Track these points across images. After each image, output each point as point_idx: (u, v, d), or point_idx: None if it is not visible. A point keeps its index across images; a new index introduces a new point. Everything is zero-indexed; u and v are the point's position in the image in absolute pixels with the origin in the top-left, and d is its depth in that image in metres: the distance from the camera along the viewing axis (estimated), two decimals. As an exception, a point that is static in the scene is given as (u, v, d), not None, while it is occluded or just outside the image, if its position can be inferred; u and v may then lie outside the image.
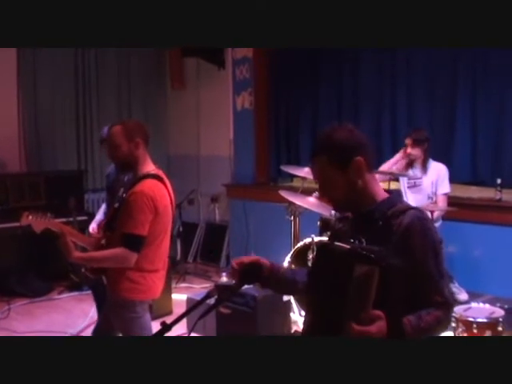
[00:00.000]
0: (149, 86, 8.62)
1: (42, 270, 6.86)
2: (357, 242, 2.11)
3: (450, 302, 2.07)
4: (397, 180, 5.85)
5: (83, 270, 3.45)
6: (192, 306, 2.20)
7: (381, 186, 2.20)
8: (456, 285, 5.43)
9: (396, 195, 2.21)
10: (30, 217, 3.36)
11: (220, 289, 2.22)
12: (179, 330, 3.65)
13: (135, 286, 3.28)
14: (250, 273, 2.22)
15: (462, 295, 5.44)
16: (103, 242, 3.37)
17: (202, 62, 8.10)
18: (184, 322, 2.12)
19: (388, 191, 2.20)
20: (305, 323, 2.23)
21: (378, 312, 1.85)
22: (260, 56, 7.66)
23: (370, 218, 2.11)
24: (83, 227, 6.28)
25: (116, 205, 3.42)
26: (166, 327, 2.11)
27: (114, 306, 3.35)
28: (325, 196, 2.19)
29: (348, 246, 1.98)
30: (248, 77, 7.74)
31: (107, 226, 3.42)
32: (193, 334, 5.09)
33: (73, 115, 7.95)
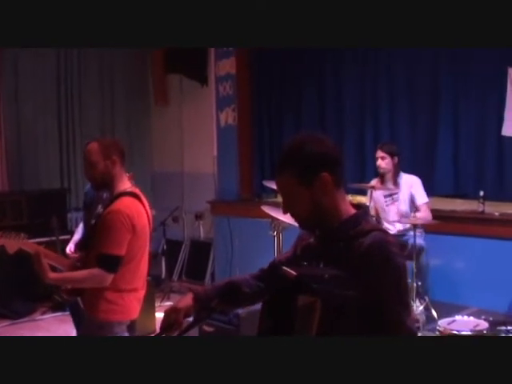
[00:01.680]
0: (132, 103, 8.61)
1: (24, 291, 6.77)
2: (314, 264, 1.98)
3: (412, 333, 1.89)
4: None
5: (59, 291, 3.39)
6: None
7: (348, 203, 2.02)
8: (427, 301, 5.35)
9: (362, 213, 2.01)
10: (3, 237, 3.28)
11: (197, 309, 2.19)
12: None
13: (113, 306, 3.23)
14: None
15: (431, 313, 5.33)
16: (78, 263, 3.33)
17: (185, 79, 8.10)
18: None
19: (356, 207, 2.04)
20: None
21: None
22: (243, 72, 7.66)
23: (333, 237, 1.96)
24: (66, 247, 6.23)
25: (92, 222, 3.37)
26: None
27: (91, 327, 3.28)
28: (288, 212, 2.02)
29: (294, 274, 1.83)
30: (231, 93, 7.74)
31: (82, 244, 3.37)
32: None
33: (55, 132, 7.92)
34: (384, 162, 5.59)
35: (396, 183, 5.64)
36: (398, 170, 5.65)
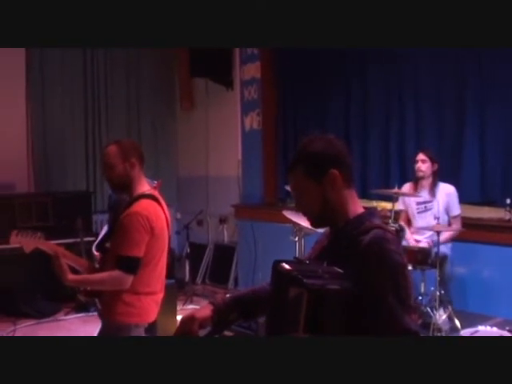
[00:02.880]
0: (158, 106, 8.66)
1: (49, 291, 6.84)
2: (318, 262, 2.01)
3: (411, 332, 1.86)
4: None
5: (77, 292, 3.39)
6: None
7: (358, 204, 2.07)
8: (450, 310, 5.24)
9: (367, 213, 2.05)
10: (19, 236, 3.27)
11: (215, 322, 2.17)
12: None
13: (130, 309, 3.21)
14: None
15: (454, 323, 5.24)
16: (97, 265, 3.33)
17: (211, 83, 8.12)
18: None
19: (364, 208, 2.08)
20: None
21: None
22: (268, 76, 7.67)
23: (339, 236, 2.03)
24: (90, 248, 6.27)
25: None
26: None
27: (109, 329, 3.27)
28: (300, 209, 2.11)
29: (287, 267, 1.91)
30: (256, 97, 7.74)
31: (100, 246, 3.37)
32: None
33: (82, 136, 8.00)
34: (424, 166, 5.49)
35: (433, 192, 5.54)
36: (436, 177, 5.55)
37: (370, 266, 1.86)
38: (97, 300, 3.34)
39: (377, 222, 2.01)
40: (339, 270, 1.86)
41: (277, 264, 1.98)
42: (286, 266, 1.93)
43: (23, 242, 3.27)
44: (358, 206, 2.06)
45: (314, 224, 2.11)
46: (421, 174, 5.53)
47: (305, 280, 1.77)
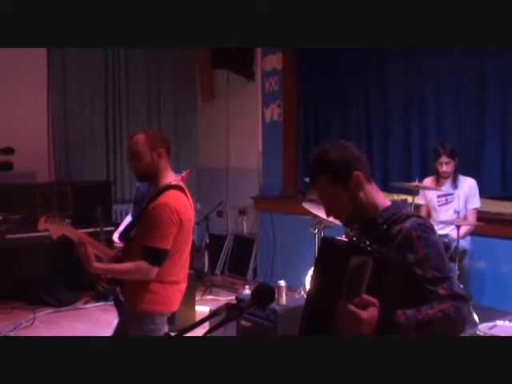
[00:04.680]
0: (179, 98, 8.65)
1: (69, 280, 6.90)
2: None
3: (459, 294, 2.02)
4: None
5: (99, 280, 3.40)
6: (196, 323, 2.15)
7: (382, 195, 2.24)
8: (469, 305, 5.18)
9: (400, 203, 2.27)
10: (48, 221, 3.29)
11: (229, 307, 2.17)
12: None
13: (156, 297, 3.22)
14: (262, 294, 2.16)
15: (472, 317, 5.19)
16: (120, 254, 3.34)
17: (232, 74, 8.10)
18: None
19: (392, 202, 2.23)
20: (302, 315, 2.25)
21: (373, 299, 1.88)
22: (289, 68, 7.63)
23: (374, 224, 2.14)
24: (110, 238, 6.31)
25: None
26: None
27: (133, 317, 3.27)
28: (331, 214, 2.22)
29: (346, 240, 2.08)
30: (277, 89, 7.72)
31: (124, 235, 3.38)
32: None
33: (102, 126, 8.03)
34: (449, 167, 5.47)
35: (454, 184, 5.52)
36: (457, 171, 5.53)
37: (416, 247, 2.02)
38: (118, 288, 3.35)
39: (412, 211, 2.17)
40: (380, 245, 1.98)
41: (330, 238, 2.17)
42: (344, 239, 2.09)
43: (51, 227, 3.29)
44: (383, 197, 2.24)
45: (347, 224, 2.26)
46: (446, 174, 5.51)
47: (370, 248, 1.92)
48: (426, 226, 2.08)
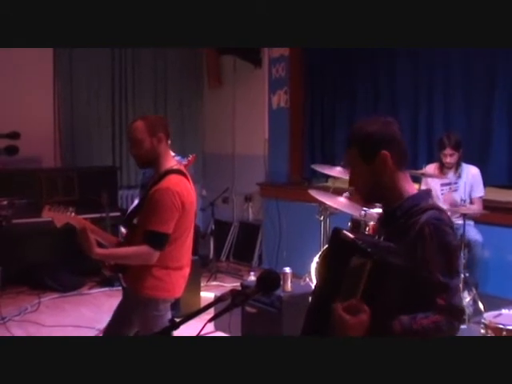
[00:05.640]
0: (185, 84, 8.63)
1: (73, 265, 6.90)
2: (375, 237, 2.16)
3: (455, 308, 1.97)
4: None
5: (102, 266, 3.40)
6: (201, 308, 2.14)
7: (412, 185, 2.17)
8: (475, 293, 5.20)
9: (423, 194, 2.18)
10: (52, 210, 3.30)
11: (234, 294, 2.16)
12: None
13: (160, 283, 3.24)
14: (268, 281, 2.15)
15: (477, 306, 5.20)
16: (122, 239, 3.34)
17: (239, 61, 8.07)
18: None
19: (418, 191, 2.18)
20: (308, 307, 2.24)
21: (363, 306, 1.86)
22: (296, 55, 7.59)
23: (395, 214, 2.11)
24: (116, 223, 6.31)
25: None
26: (175, 325, 2.07)
27: (137, 303, 3.28)
28: (352, 186, 2.21)
29: (352, 236, 2.00)
30: (284, 75, 7.68)
31: (127, 221, 3.38)
32: (218, 333, 5.08)
33: (109, 112, 8.02)
34: (453, 159, 5.48)
35: (458, 173, 5.52)
36: (460, 160, 5.53)
37: (426, 245, 1.97)
38: (120, 275, 3.35)
39: (431, 202, 2.11)
40: (395, 245, 1.96)
41: (339, 231, 2.10)
42: (351, 235, 2.02)
43: (55, 216, 3.30)
44: (411, 186, 2.17)
45: (364, 200, 2.25)
46: (449, 165, 5.53)
47: (369, 250, 1.88)
48: (441, 222, 2.01)
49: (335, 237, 2.12)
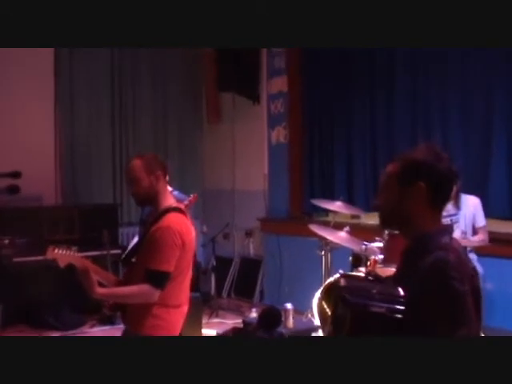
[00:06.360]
0: (185, 120, 8.68)
1: (74, 303, 6.86)
2: (381, 280, 2.12)
3: None
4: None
5: (102, 305, 3.40)
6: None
7: (436, 223, 2.05)
8: None
9: (437, 231, 2.03)
10: (56, 250, 3.31)
11: (236, 332, 2.21)
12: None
13: (159, 322, 3.22)
14: (269, 318, 2.20)
15: None
16: (121, 278, 3.34)
17: (237, 97, 8.13)
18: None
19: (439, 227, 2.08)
20: None
21: None
22: (295, 90, 7.66)
23: (411, 250, 2.06)
24: (116, 260, 6.30)
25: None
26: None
27: None
28: (377, 201, 2.13)
29: (344, 284, 1.98)
30: (283, 111, 7.74)
31: (126, 260, 3.38)
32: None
33: (109, 149, 8.05)
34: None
35: (457, 205, 5.47)
36: (459, 191, 5.48)
37: (430, 292, 1.86)
38: (119, 314, 3.35)
39: (444, 241, 1.99)
40: (395, 291, 1.90)
41: (340, 276, 2.15)
42: (343, 282, 2.01)
43: (59, 256, 3.31)
44: (433, 224, 2.04)
45: (381, 222, 2.16)
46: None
47: (350, 300, 1.86)
48: (446, 265, 1.87)
49: (340, 279, 2.10)
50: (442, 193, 2.05)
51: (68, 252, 3.32)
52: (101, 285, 3.24)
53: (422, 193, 1.99)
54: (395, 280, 2.07)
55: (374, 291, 1.89)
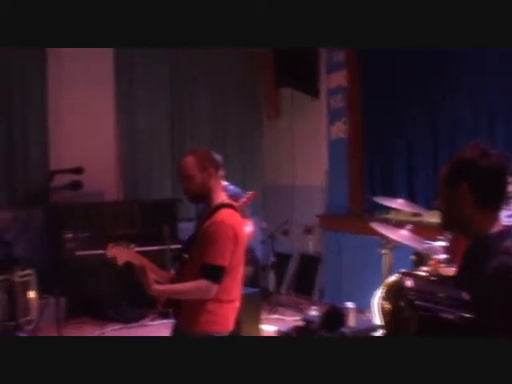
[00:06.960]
0: (244, 116, 8.69)
1: (135, 297, 6.95)
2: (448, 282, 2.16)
3: None
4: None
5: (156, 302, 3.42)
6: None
7: (493, 224, 1.99)
8: None
9: (500, 234, 1.97)
10: (115, 248, 3.36)
11: (298, 330, 2.22)
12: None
13: (214, 317, 3.23)
14: (333, 318, 2.18)
15: None
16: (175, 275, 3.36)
17: (296, 92, 8.07)
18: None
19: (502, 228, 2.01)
20: None
21: None
22: (354, 85, 7.56)
23: (471, 253, 2.00)
24: (176, 255, 6.35)
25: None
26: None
27: None
28: (437, 203, 2.09)
29: (410, 285, 1.98)
30: (342, 106, 7.65)
31: (178, 256, 3.40)
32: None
33: (168, 145, 8.13)
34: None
35: None
36: None
37: (494, 296, 1.80)
38: (171, 310, 3.36)
39: (506, 244, 1.92)
40: (462, 296, 1.85)
41: (403, 275, 2.08)
42: (408, 283, 2.01)
43: (118, 254, 3.36)
44: (489, 224, 1.98)
45: (442, 226, 2.12)
46: (511, 194, 5.31)
47: (419, 304, 1.86)
48: (507, 271, 1.82)
49: (399, 282, 2.12)
50: (490, 190, 1.98)
51: (126, 249, 3.37)
52: (157, 282, 3.26)
53: (466, 194, 1.94)
54: (456, 281, 2.04)
55: (442, 295, 1.86)
